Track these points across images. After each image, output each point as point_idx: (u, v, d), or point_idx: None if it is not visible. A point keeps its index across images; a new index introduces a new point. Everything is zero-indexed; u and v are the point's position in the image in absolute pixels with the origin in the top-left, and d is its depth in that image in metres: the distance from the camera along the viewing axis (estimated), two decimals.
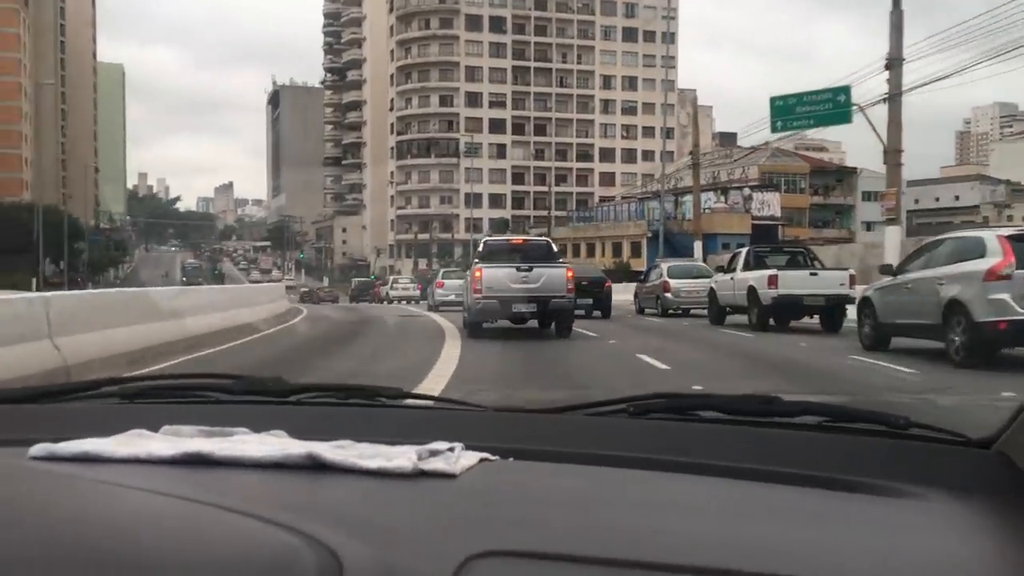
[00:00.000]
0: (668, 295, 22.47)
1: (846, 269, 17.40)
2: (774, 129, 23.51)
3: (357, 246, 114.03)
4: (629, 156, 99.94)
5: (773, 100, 23.07)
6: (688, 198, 67.28)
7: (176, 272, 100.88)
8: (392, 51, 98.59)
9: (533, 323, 15.09)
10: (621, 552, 0.72)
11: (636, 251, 65.07)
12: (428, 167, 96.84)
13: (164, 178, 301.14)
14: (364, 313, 26.72)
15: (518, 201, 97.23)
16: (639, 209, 73.26)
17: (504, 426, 1.28)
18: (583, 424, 1.28)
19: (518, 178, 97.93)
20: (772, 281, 16.09)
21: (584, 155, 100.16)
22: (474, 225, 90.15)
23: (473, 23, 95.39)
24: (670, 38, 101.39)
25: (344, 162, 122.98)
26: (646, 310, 24.29)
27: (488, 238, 18.30)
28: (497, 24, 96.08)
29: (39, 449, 0.98)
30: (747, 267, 17.69)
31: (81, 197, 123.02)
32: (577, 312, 19.89)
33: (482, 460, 1.01)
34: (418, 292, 44.75)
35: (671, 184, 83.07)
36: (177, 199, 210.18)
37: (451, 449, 1.00)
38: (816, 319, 16.84)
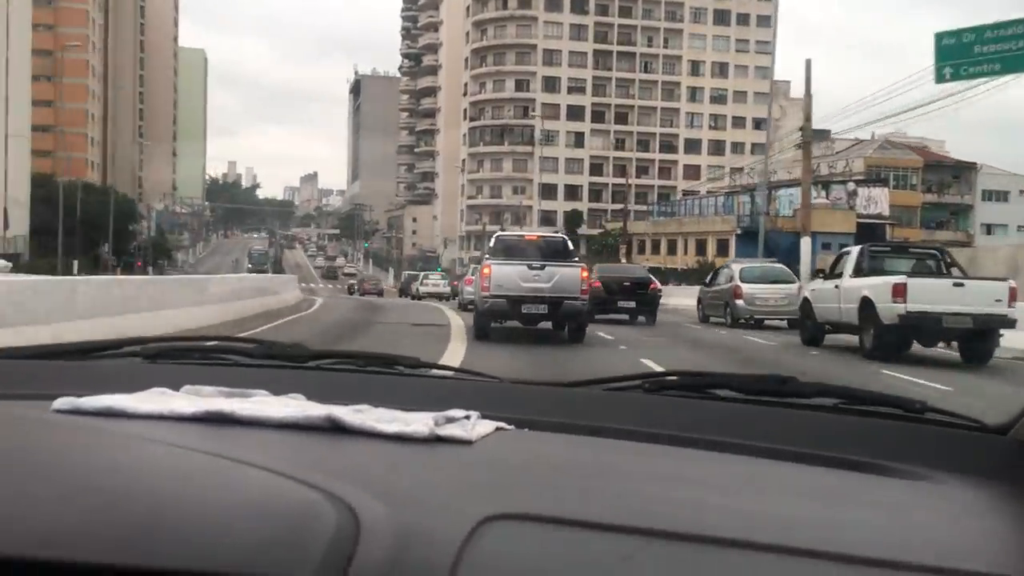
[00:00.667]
0: (739, 302, 19.34)
1: (1004, 280, 12.48)
2: (939, 79, 17.42)
3: (428, 237, 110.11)
4: (716, 148, 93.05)
5: (939, 37, 17.08)
6: (784, 192, 60.71)
7: (245, 258, 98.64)
8: (467, 33, 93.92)
9: (546, 325, 14.05)
10: (631, 520, 0.73)
11: (723, 249, 58.75)
12: (501, 155, 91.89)
13: (252, 167, 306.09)
14: (377, 311, 23.88)
15: (595, 193, 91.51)
16: (727, 203, 66.80)
17: (520, 398, 1.28)
18: (598, 398, 1.29)
19: (596, 169, 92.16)
20: (899, 292, 11.98)
21: (668, 146, 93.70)
22: (547, 218, 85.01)
23: (553, 3, 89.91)
24: (766, 21, 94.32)
25: (417, 150, 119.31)
26: (711, 318, 21.16)
27: (501, 233, 16.47)
28: (579, 4, 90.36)
29: (62, 402, 0.99)
30: (859, 272, 13.47)
31: (157, 180, 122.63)
32: (619, 316, 18.29)
33: (498, 429, 1.02)
34: (448, 289, 42.34)
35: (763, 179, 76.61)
36: (256, 186, 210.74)
37: (467, 417, 1.01)
38: (942, 343, 13.28)
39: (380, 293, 53.41)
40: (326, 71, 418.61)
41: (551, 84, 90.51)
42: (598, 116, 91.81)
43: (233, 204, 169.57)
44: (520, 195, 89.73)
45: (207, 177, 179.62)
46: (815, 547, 0.70)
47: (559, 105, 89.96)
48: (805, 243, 26.06)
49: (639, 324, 18.46)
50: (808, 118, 26.31)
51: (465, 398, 1.13)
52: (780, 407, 1.22)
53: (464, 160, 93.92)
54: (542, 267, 12.92)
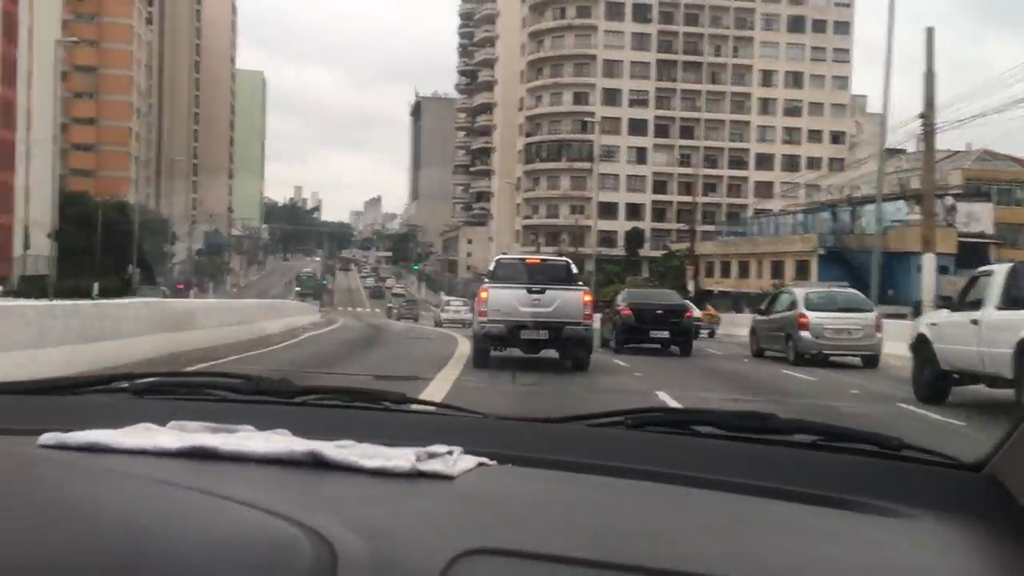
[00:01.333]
0: (805, 334, 16.50)
1: None
2: None
3: (483, 258, 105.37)
4: (790, 163, 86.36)
5: None
6: (869, 208, 54.23)
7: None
8: (523, 45, 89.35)
9: (550, 353, 13.14)
10: (609, 555, 0.72)
11: (802, 271, 52.49)
12: (558, 172, 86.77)
13: (317, 191, 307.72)
14: (366, 346, 21.27)
15: (658, 212, 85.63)
16: (806, 221, 60.42)
17: (503, 433, 1.30)
18: (581, 434, 1.30)
19: (660, 187, 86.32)
20: None
21: (737, 161, 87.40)
22: (607, 238, 79.62)
23: (614, 11, 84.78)
24: (844, 28, 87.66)
25: (472, 169, 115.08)
26: (767, 352, 18.17)
27: (501, 256, 15.87)
28: (641, 12, 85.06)
29: (48, 438, 1.00)
30: (1012, 301, 9.36)
31: (212, 202, 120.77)
32: (651, 346, 17.15)
33: (480, 464, 1.03)
34: (471, 315, 37.89)
35: (845, 194, 70.05)
36: (315, 209, 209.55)
37: (450, 452, 1.01)
38: None
39: (415, 318, 52.46)
40: (391, 96, 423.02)
41: (611, 96, 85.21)
42: (662, 130, 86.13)
43: (290, 226, 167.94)
44: (578, 215, 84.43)
45: (266, 200, 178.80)
46: None
47: (620, 119, 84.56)
48: (929, 262, 20.10)
49: (672, 355, 17.00)
50: (931, 103, 20.41)
51: (449, 434, 1.13)
52: (760, 444, 1.23)
53: (519, 178, 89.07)
54: (542, 291, 12.28)
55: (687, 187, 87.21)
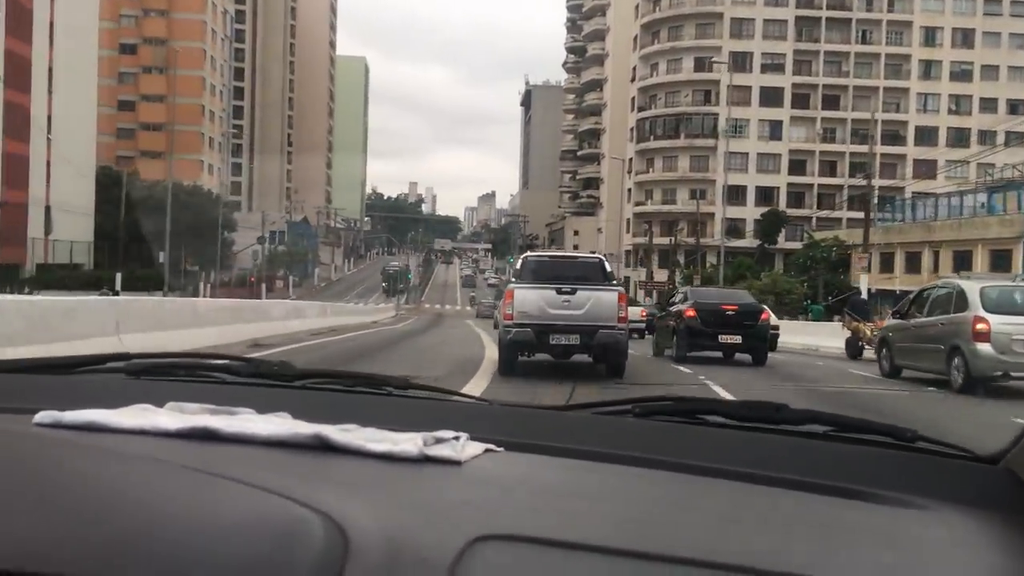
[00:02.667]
0: (984, 348, 11.75)
1: None
2: None
3: (591, 250, 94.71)
4: (958, 137, 71.96)
5: None
6: None
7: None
8: (637, 6, 78.19)
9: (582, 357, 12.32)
10: (619, 542, 0.73)
11: (1000, 262, 39.85)
12: (675, 151, 75.24)
13: (431, 187, 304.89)
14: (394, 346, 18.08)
15: (796, 197, 73.00)
16: (990, 203, 47.26)
17: (509, 420, 1.29)
18: (588, 421, 1.29)
19: (797, 167, 73.64)
20: None
21: (893, 136, 73.64)
22: (734, 227, 67.87)
23: None
24: None
25: (579, 153, 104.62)
26: (907, 370, 13.65)
27: (530, 254, 14.14)
28: None
29: (44, 416, 0.99)
30: None
31: (307, 192, 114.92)
32: (713, 354, 15.87)
33: (487, 450, 1.02)
34: None
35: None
36: (420, 202, 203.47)
37: (456, 438, 1.00)
38: None
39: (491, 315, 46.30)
40: (505, 91, 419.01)
41: (740, 62, 72.93)
42: (800, 100, 73.40)
43: (392, 217, 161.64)
44: (699, 200, 72.80)
45: (372, 193, 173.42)
46: (805, 573, 0.70)
47: (750, 88, 72.29)
48: None
49: (744, 363, 15.30)
50: None
51: (454, 420, 1.12)
52: (771, 434, 1.21)
53: (630, 159, 77.98)
54: (573, 291, 11.56)
55: (831, 167, 74.27)
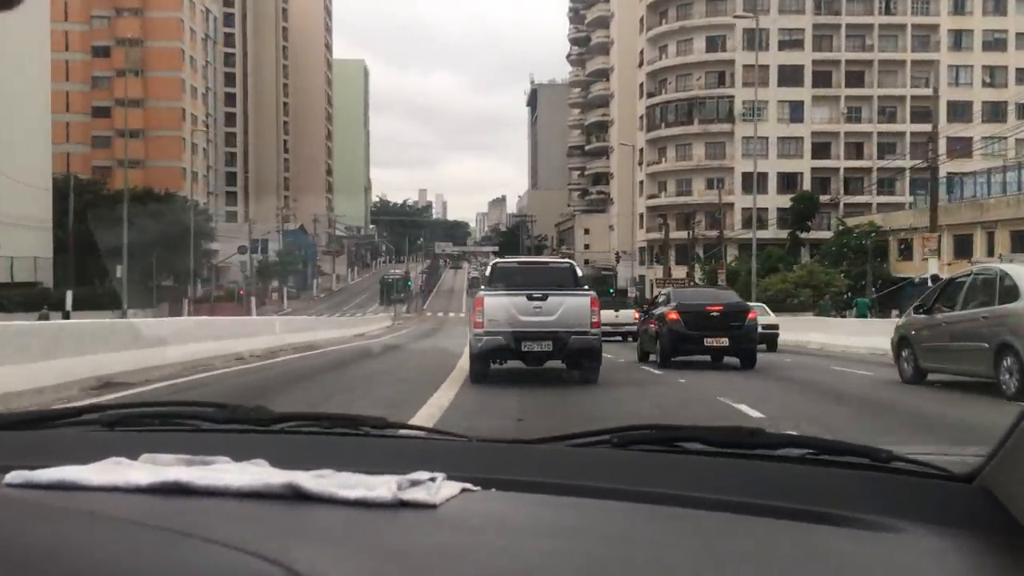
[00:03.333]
0: None
1: None
2: None
3: (603, 249, 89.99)
4: (994, 112, 66.50)
5: None
6: None
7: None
8: None
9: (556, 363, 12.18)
10: None
11: None
12: (689, 138, 70.16)
13: (442, 194, 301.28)
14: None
15: (821, 182, 67.75)
16: None
17: (487, 456, 1.29)
18: (566, 455, 1.29)
19: (821, 150, 68.45)
20: None
21: (922, 113, 68.21)
22: (756, 216, 62.76)
23: None
24: None
25: (587, 147, 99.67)
26: (934, 373, 12.04)
27: (498, 260, 14.49)
28: None
29: (16, 476, 0.97)
30: None
31: (307, 199, 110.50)
32: (700, 358, 15.43)
33: (463, 490, 1.01)
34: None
35: None
36: (426, 208, 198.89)
37: (432, 479, 1.00)
38: None
39: None
40: (513, 95, 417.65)
41: (756, 38, 67.96)
42: (822, 78, 68.21)
43: (398, 223, 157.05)
44: (717, 189, 67.68)
45: (377, 200, 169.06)
46: None
47: (768, 67, 67.05)
48: None
49: (731, 367, 14.73)
50: None
51: (432, 459, 1.12)
52: (749, 459, 1.22)
53: (641, 149, 73.00)
54: (544, 297, 11.42)
55: (857, 149, 69.00)
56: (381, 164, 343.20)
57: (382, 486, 0.93)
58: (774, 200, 65.37)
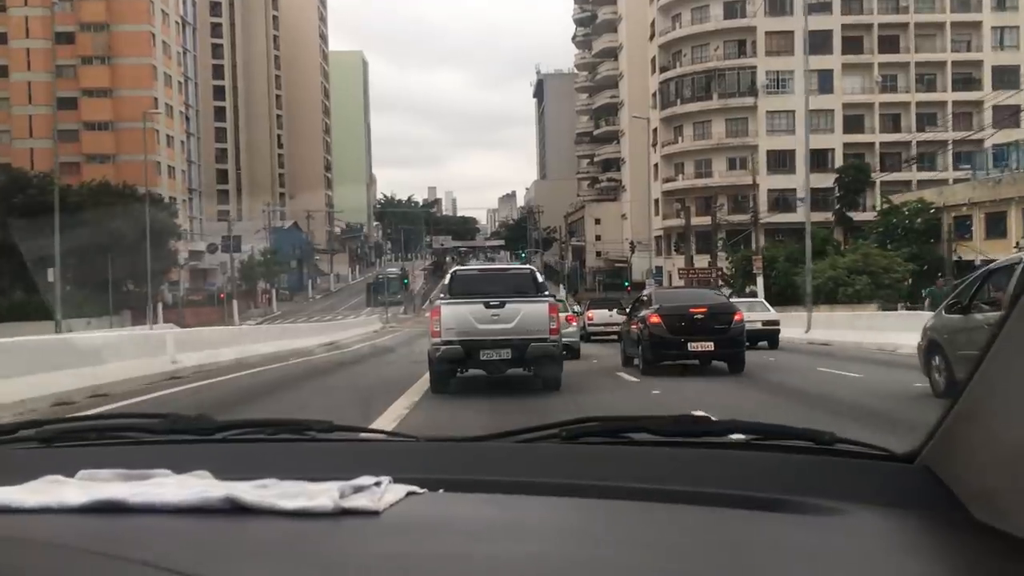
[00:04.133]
0: None
1: None
2: None
3: (616, 240, 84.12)
4: None
5: None
6: None
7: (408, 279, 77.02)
8: None
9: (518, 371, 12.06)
10: None
11: None
12: (707, 115, 64.22)
13: (451, 191, 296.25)
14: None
15: (855, 160, 61.55)
16: None
17: (434, 456, 1.28)
18: (514, 451, 1.28)
19: (853, 123, 62.39)
20: None
21: (965, 80, 62.15)
22: (780, 200, 56.93)
23: None
24: None
25: (596, 132, 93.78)
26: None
27: (458, 268, 14.82)
28: None
29: None
30: None
31: (304, 197, 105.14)
32: (688, 362, 14.89)
33: (409, 494, 1.00)
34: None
35: None
36: (432, 204, 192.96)
37: (378, 484, 0.99)
38: None
39: None
40: (520, 91, 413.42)
41: (778, 3, 61.88)
42: (853, 44, 62.15)
43: (404, 223, 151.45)
44: (740, 170, 61.75)
45: (381, 197, 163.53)
46: None
47: (791, 33, 61.04)
48: None
49: (720, 372, 14.07)
50: None
51: (378, 462, 1.11)
52: (696, 447, 1.22)
53: (655, 130, 67.05)
54: (501, 304, 11.38)
55: (893, 121, 62.86)
56: (389, 163, 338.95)
57: (323, 495, 0.91)
58: (800, 180, 59.44)
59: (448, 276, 12.77)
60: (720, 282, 41.80)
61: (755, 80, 61.65)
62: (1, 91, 62.83)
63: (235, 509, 0.90)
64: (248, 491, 0.92)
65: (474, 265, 13.70)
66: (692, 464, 1.14)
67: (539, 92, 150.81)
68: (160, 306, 51.07)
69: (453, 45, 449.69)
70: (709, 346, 14.24)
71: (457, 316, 11.21)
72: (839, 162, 61.02)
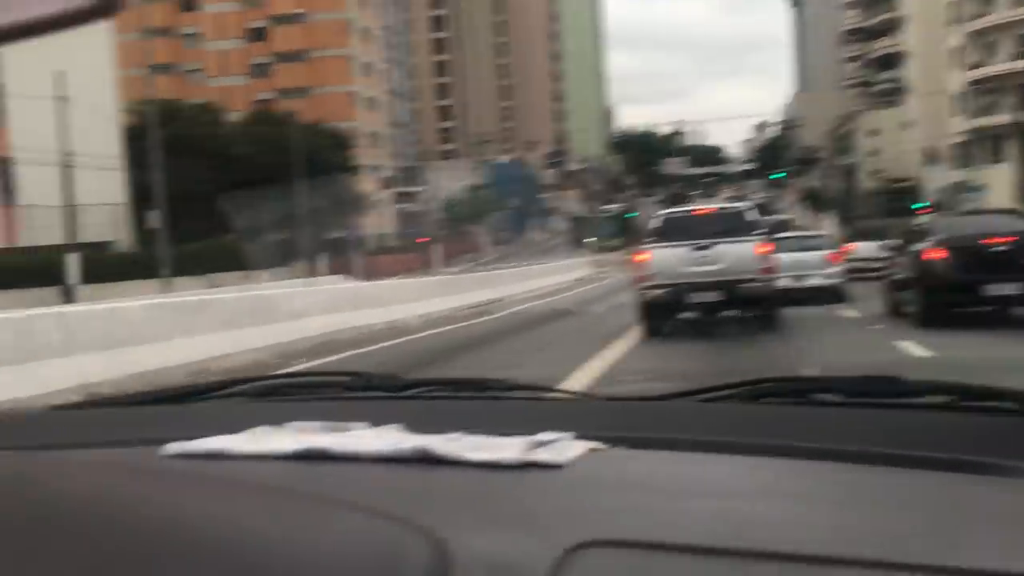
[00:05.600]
0: None
1: None
2: None
3: (897, 155, 68.29)
4: None
5: None
6: None
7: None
8: None
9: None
10: (732, 541, 0.70)
11: None
12: None
13: (700, 122, 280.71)
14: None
15: None
16: None
17: (614, 415, 1.29)
18: (695, 410, 1.28)
19: None
20: None
21: None
22: None
23: None
24: None
25: (868, 24, 76.81)
26: None
27: (665, 211, 13.85)
28: None
29: (172, 447, 1.04)
30: None
31: (531, 129, 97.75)
32: (977, 309, 12.24)
33: (590, 450, 1.01)
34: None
35: None
36: (674, 134, 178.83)
37: (559, 439, 1.01)
38: None
39: None
40: (770, 12, 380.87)
41: None
42: None
43: (644, 156, 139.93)
44: None
45: (620, 129, 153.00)
46: (931, 562, 0.66)
47: None
48: None
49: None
50: None
51: (558, 418, 1.12)
52: (888, 408, 1.18)
53: (950, 2, 50.94)
54: (707, 246, 11.60)
55: None
56: (635, 101, 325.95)
57: (509, 447, 0.95)
58: None
59: (654, 220, 12.99)
60: None
61: None
62: (191, 27, 59.53)
63: (426, 459, 0.95)
64: (438, 443, 0.97)
65: (677, 209, 12.58)
66: (884, 425, 1.09)
67: None
68: (350, 254, 44.85)
69: None
70: (1014, 288, 11.45)
71: (664, 260, 11.55)
72: None
